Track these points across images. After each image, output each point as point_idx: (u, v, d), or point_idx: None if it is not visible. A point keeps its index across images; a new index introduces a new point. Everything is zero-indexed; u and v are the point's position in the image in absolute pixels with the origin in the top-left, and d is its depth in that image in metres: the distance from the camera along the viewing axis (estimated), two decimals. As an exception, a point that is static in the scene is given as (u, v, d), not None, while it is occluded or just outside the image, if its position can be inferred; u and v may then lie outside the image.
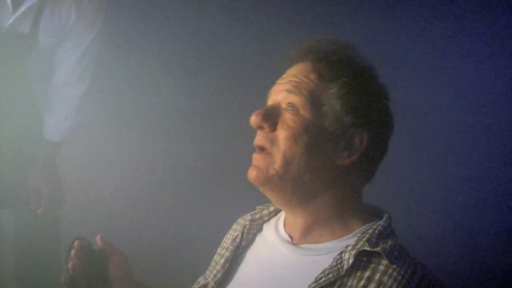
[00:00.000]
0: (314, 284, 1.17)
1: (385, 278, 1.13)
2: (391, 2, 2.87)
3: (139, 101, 2.88)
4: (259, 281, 1.28)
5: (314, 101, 1.22)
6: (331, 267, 1.18)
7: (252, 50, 2.87)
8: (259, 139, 1.24)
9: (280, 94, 1.26)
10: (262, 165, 1.23)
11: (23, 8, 2.08)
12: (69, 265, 1.38)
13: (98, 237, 1.42)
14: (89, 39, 2.25)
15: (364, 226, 1.25)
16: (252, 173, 1.24)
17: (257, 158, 1.24)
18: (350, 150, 1.23)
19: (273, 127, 1.23)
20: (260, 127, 1.24)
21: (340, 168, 1.23)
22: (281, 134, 1.22)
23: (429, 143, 2.89)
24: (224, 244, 1.42)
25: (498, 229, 2.80)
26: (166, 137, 2.91)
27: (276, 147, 1.22)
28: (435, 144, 2.89)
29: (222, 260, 1.37)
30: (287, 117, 1.23)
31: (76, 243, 1.38)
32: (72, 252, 1.37)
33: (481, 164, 2.86)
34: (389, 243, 1.19)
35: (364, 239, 1.20)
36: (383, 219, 1.25)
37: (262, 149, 1.24)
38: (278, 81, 1.28)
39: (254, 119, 1.24)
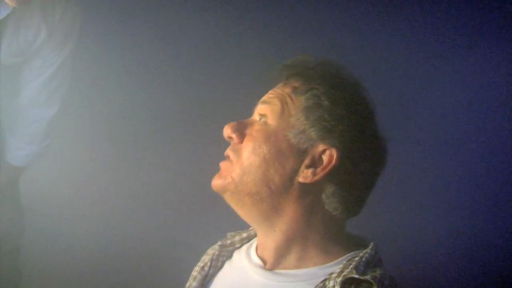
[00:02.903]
0: None
1: None
2: (391, 4, 2.82)
3: (114, 123, 2.74)
4: None
5: (283, 111, 1.20)
6: None
7: (247, 53, 2.79)
8: (228, 149, 1.24)
9: (258, 107, 1.25)
10: (224, 172, 1.21)
11: None
12: None
13: None
14: (60, 59, 2.05)
15: (349, 254, 1.19)
16: (213, 180, 1.23)
17: (222, 166, 1.23)
18: (314, 168, 1.17)
19: (241, 139, 1.21)
20: (230, 138, 1.23)
21: (304, 187, 1.17)
22: (245, 144, 1.20)
23: (433, 146, 2.84)
24: (192, 276, 1.35)
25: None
26: (140, 161, 2.79)
27: (239, 157, 1.20)
28: (440, 148, 2.84)
29: None
30: (255, 128, 1.21)
31: None
32: None
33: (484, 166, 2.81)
34: (377, 271, 1.13)
35: (350, 266, 1.13)
36: (370, 247, 1.19)
37: (228, 158, 1.23)
38: None
39: (224, 131, 1.24)
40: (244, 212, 1.23)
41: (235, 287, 1.25)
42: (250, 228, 1.34)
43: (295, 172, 1.17)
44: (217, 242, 1.37)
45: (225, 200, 1.23)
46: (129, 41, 2.68)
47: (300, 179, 1.17)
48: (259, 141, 1.18)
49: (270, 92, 1.25)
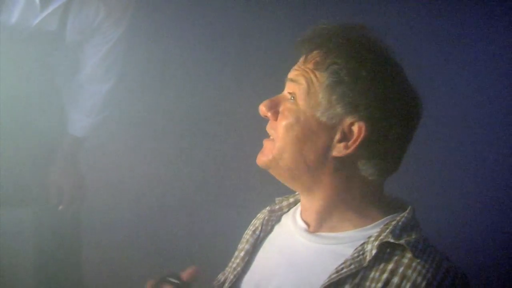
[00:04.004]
0: (335, 275, 1.16)
1: (409, 272, 1.12)
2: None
3: (164, 98, 2.86)
4: (276, 268, 1.27)
5: (309, 90, 1.20)
6: (353, 257, 1.17)
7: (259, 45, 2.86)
8: (267, 127, 1.27)
9: (287, 84, 1.26)
10: (267, 149, 1.26)
11: (51, 7, 2.04)
12: None
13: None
14: (116, 36, 2.21)
15: (387, 217, 1.22)
16: (258, 157, 1.27)
17: (265, 143, 1.27)
18: (346, 142, 1.19)
19: (276, 116, 1.24)
20: (266, 116, 1.27)
21: (339, 160, 1.20)
22: (279, 123, 1.23)
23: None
24: (244, 239, 1.41)
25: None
26: (191, 135, 2.90)
27: (277, 134, 1.24)
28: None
29: (242, 253, 1.37)
30: (286, 106, 1.23)
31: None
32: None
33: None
34: (413, 236, 1.17)
35: (387, 230, 1.18)
36: (407, 211, 1.22)
37: (269, 135, 1.27)
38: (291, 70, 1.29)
39: (260, 109, 1.27)
40: (286, 183, 1.28)
41: (283, 248, 1.30)
42: (297, 193, 1.38)
43: (328, 147, 1.20)
44: (265, 208, 1.45)
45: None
46: (177, 21, 2.80)
47: (334, 153, 1.19)
48: (291, 121, 1.21)
49: (295, 68, 1.25)
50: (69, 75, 2.31)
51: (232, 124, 2.86)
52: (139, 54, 2.62)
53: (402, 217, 1.21)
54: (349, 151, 1.18)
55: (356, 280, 1.15)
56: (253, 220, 1.45)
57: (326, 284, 1.15)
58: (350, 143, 1.18)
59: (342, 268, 1.15)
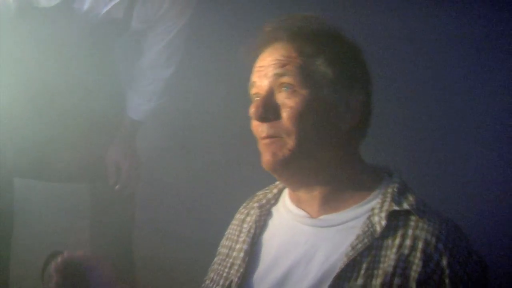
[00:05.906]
0: (352, 252, 1.19)
1: (418, 232, 1.19)
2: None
3: (223, 88, 2.92)
4: (290, 263, 1.27)
5: (307, 77, 1.24)
6: (363, 232, 1.21)
7: None
8: (266, 130, 1.26)
9: (267, 79, 1.27)
10: (276, 149, 1.24)
11: None
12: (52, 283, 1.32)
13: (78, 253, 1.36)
14: (180, 25, 2.28)
15: (381, 186, 1.28)
16: (268, 159, 1.25)
17: (268, 144, 1.25)
18: (351, 113, 1.26)
19: (277, 114, 1.24)
20: (265, 119, 1.25)
21: (345, 132, 1.26)
22: (286, 117, 1.23)
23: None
24: (234, 236, 1.41)
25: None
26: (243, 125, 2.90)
27: (285, 131, 1.23)
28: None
29: (242, 254, 1.35)
30: (286, 98, 1.24)
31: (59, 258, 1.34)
32: (53, 268, 1.33)
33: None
34: (410, 199, 1.24)
35: (388, 200, 1.24)
36: (394, 175, 1.30)
37: (271, 136, 1.25)
38: (258, 67, 1.29)
39: (256, 113, 1.25)
40: (296, 179, 1.29)
41: (290, 241, 1.30)
42: (277, 182, 1.41)
43: (338, 122, 1.26)
44: (246, 202, 1.46)
45: (275, 175, 1.29)
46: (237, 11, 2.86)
47: (343, 125, 1.26)
48: (302, 111, 1.23)
49: (274, 61, 1.26)
50: (131, 60, 2.38)
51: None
52: (200, 43, 2.69)
53: (395, 183, 1.28)
54: (355, 119, 1.27)
55: (373, 252, 1.20)
56: (236, 215, 1.46)
57: (346, 262, 1.19)
58: (354, 112, 1.27)
59: (357, 244, 1.20)
